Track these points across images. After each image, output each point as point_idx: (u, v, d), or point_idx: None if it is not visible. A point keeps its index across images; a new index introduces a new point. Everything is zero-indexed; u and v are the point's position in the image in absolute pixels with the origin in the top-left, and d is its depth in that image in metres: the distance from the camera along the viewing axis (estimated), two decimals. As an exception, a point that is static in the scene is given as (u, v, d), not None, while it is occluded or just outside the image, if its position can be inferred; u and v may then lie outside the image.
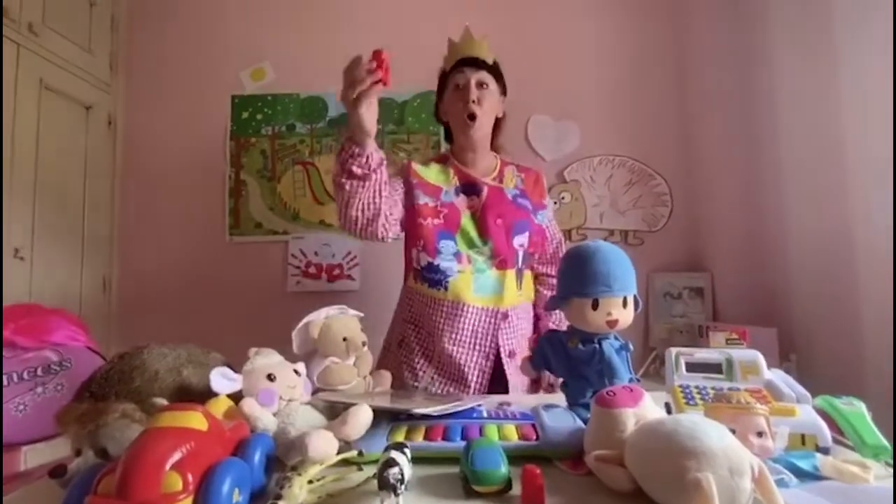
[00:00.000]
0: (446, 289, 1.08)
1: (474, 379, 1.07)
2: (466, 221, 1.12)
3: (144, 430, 0.46)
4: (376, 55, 0.84)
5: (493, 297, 1.09)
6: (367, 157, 0.94)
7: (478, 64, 1.13)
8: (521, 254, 1.13)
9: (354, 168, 0.94)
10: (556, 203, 1.93)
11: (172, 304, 1.89)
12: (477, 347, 1.07)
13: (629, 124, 1.97)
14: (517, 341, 1.11)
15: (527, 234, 1.14)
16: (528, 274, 1.18)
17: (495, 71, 1.16)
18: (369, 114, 0.89)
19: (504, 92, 1.20)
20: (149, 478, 0.40)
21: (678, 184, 1.95)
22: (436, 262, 1.09)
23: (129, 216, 1.94)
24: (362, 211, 0.99)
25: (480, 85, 1.13)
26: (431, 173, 1.16)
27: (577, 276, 0.70)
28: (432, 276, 1.09)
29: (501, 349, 1.08)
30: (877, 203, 1.15)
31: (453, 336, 1.07)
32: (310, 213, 1.93)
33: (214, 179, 1.94)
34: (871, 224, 1.16)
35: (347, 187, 0.96)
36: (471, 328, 1.08)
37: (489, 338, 1.08)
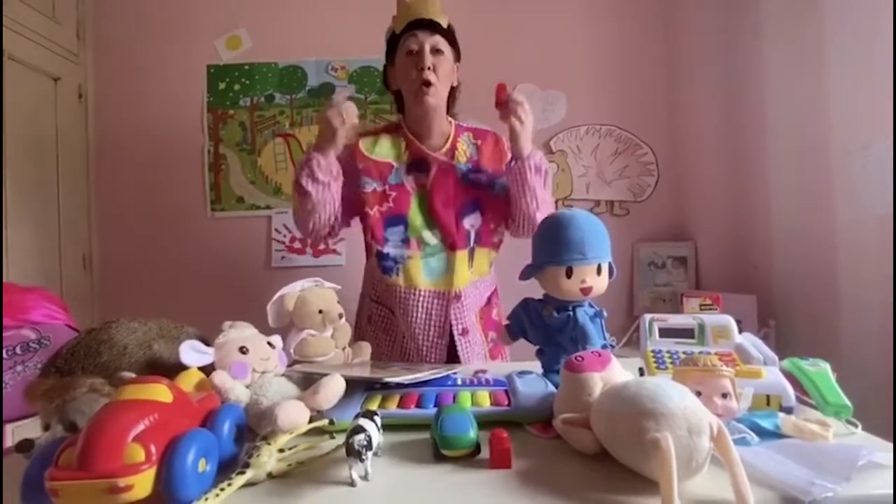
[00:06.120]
0: (398, 274, 1.08)
1: (430, 357, 1.08)
2: (415, 205, 1.09)
3: (106, 403, 0.46)
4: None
5: (443, 279, 1.08)
6: (331, 165, 1.01)
7: (432, 27, 1.03)
8: (472, 234, 1.10)
9: (320, 175, 0.99)
10: (542, 174, 1.91)
11: (155, 282, 1.87)
12: (431, 328, 1.08)
13: (616, 93, 1.94)
14: (470, 319, 1.10)
15: (478, 213, 1.10)
16: (481, 251, 1.13)
17: (449, 35, 1.07)
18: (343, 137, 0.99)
19: (458, 58, 1.11)
20: (110, 449, 0.40)
21: (664, 153, 1.94)
22: (385, 251, 1.08)
23: (107, 193, 1.89)
24: (324, 217, 1.04)
25: (435, 51, 1.03)
26: (382, 148, 1.11)
27: (550, 244, 0.70)
28: (384, 264, 1.08)
29: (454, 328, 1.08)
30: (858, 177, 1.15)
31: (407, 318, 1.07)
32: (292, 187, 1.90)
33: (193, 153, 1.89)
34: (852, 199, 1.17)
35: (314, 193, 1.00)
36: (424, 311, 1.07)
37: (442, 318, 1.08)
